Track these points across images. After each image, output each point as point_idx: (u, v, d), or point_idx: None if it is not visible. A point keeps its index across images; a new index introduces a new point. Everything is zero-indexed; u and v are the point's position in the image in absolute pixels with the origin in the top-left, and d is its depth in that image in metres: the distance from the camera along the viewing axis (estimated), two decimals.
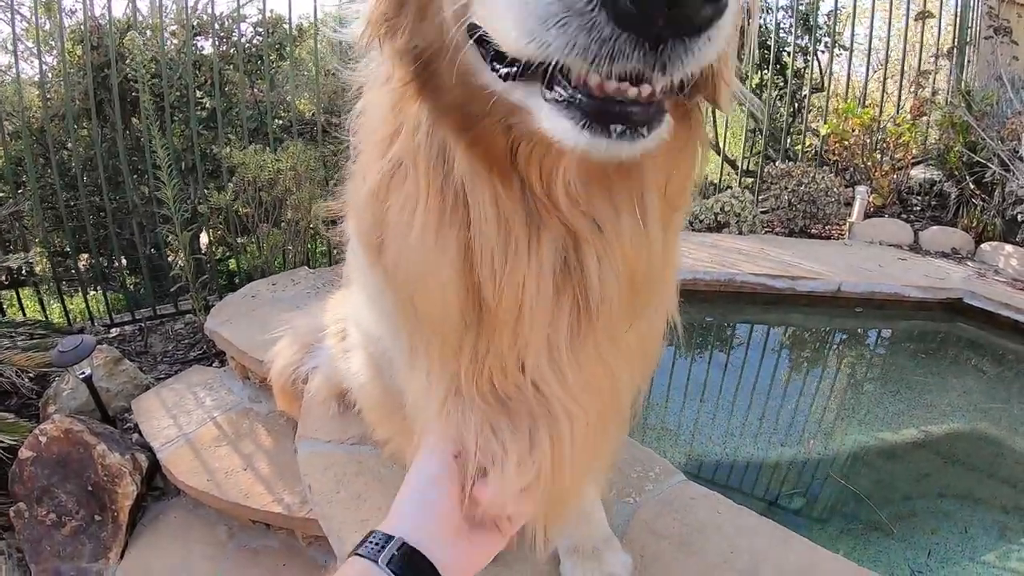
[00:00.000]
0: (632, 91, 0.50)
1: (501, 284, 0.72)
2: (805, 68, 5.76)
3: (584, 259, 0.73)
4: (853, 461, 2.41)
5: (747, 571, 1.35)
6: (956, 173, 4.47)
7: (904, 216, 4.59)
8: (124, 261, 4.28)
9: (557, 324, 0.76)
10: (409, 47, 0.66)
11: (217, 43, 4.22)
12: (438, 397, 0.85)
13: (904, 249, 4.14)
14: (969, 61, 5.05)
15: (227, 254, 4.31)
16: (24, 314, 3.68)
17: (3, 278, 3.64)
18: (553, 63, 0.47)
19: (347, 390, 1.48)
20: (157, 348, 3.42)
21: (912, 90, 5.05)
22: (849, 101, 5.04)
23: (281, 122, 4.34)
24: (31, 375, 2.75)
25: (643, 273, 0.77)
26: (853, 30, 5.21)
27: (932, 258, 3.99)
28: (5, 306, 3.65)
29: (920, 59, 5.00)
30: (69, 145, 3.93)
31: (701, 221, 4.31)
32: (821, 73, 5.83)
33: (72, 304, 4.17)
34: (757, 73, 5.56)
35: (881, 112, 4.90)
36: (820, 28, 5.78)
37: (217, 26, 4.19)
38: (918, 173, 4.94)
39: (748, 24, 0.72)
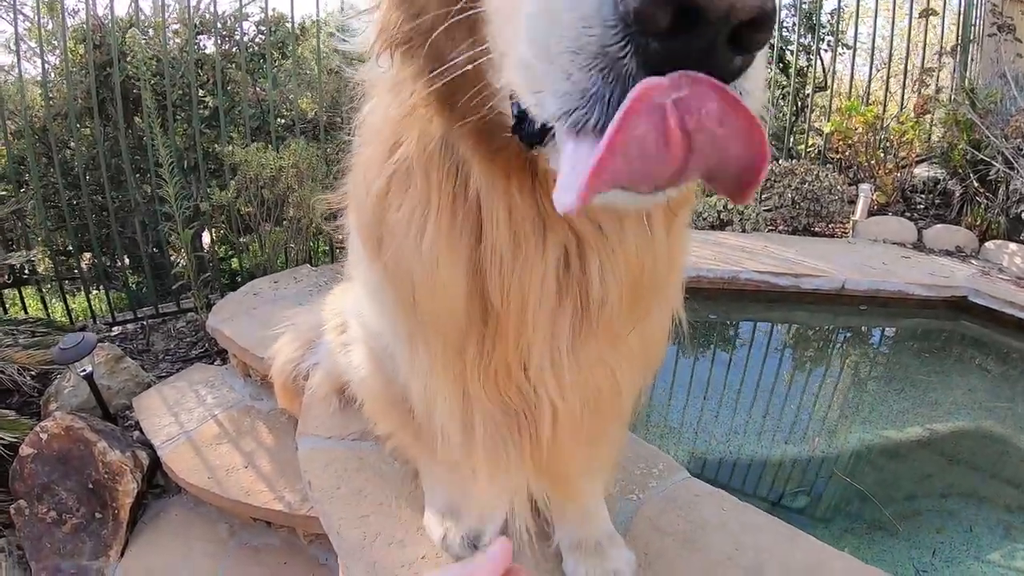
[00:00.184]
0: None
1: (509, 288, 0.74)
2: (808, 67, 5.75)
3: (587, 262, 0.75)
4: (857, 460, 2.39)
5: (752, 568, 1.34)
6: (960, 171, 4.45)
7: (908, 214, 4.57)
8: (127, 260, 4.28)
9: (559, 326, 0.79)
10: (429, 71, 0.65)
11: (219, 42, 4.22)
12: (443, 398, 0.89)
13: (908, 247, 4.12)
14: (973, 59, 5.03)
15: (229, 253, 4.31)
16: (26, 313, 3.68)
17: (6, 277, 3.64)
18: None
19: (347, 384, 1.47)
20: (159, 346, 3.42)
21: (915, 88, 5.03)
22: (853, 99, 5.03)
23: (284, 121, 4.33)
24: (33, 373, 2.75)
25: (646, 277, 0.79)
26: (856, 29, 5.18)
27: (936, 256, 3.97)
28: (8, 305, 3.65)
29: (924, 57, 4.97)
30: (72, 144, 3.93)
31: (704, 219, 4.29)
32: (824, 72, 5.82)
33: (74, 303, 4.18)
34: None
35: (884, 110, 4.88)
36: (823, 27, 5.77)
37: (219, 25, 4.19)
38: (922, 171, 4.92)
39: None
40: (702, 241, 3.86)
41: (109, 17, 3.77)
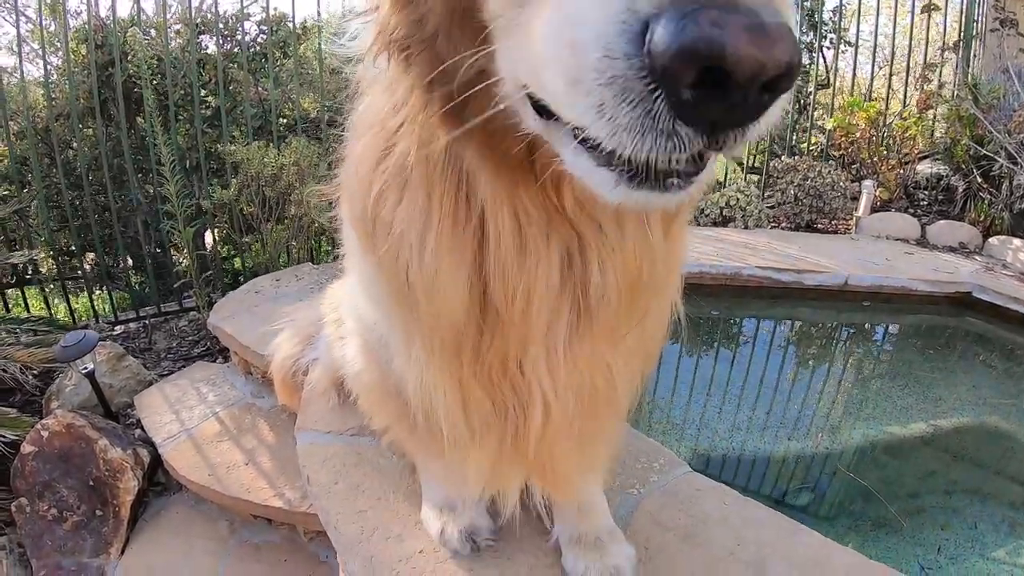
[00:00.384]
0: (682, 162, 0.49)
1: (514, 291, 0.75)
2: (811, 65, 5.73)
3: (588, 261, 0.76)
4: (860, 456, 2.39)
5: (754, 563, 1.32)
6: (963, 167, 4.43)
7: (911, 210, 4.56)
8: (129, 260, 4.29)
9: (557, 324, 0.80)
10: (430, 76, 0.65)
11: (221, 41, 4.22)
12: (438, 391, 0.91)
13: (911, 243, 4.11)
14: (975, 54, 5.00)
15: (232, 252, 4.32)
16: (29, 313, 3.68)
17: (9, 276, 3.64)
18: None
19: (344, 377, 1.46)
20: (161, 345, 3.42)
21: (918, 85, 5.01)
22: (855, 96, 5.01)
23: (286, 120, 4.34)
24: (35, 372, 2.75)
25: (645, 278, 0.80)
26: (859, 26, 5.16)
27: (939, 252, 3.96)
28: (11, 305, 3.66)
29: (926, 54, 4.95)
30: (74, 144, 3.93)
31: (707, 215, 4.28)
32: (827, 70, 5.79)
33: (77, 303, 4.19)
34: None
35: (887, 107, 4.86)
36: (825, 24, 5.75)
37: (221, 25, 4.20)
38: (925, 167, 4.90)
39: None
40: (704, 237, 3.85)
41: (111, 18, 3.78)
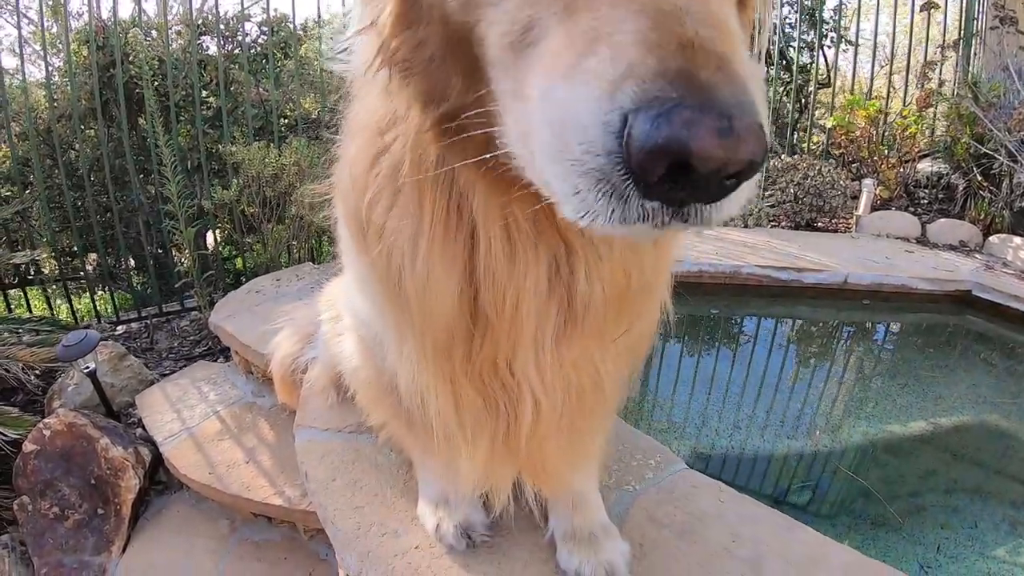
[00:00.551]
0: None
1: (504, 296, 0.78)
2: (811, 63, 5.73)
3: (574, 270, 0.79)
4: (860, 455, 2.38)
5: (750, 560, 1.32)
6: (963, 165, 4.42)
7: (911, 209, 4.55)
8: (131, 260, 4.30)
9: (545, 328, 0.83)
10: (428, 98, 0.67)
11: (222, 42, 4.24)
12: (429, 390, 0.93)
13: (911, 242, 4.10)
14: (975, 53, 4.99)
15: (233, 252, 4.33)
16: (31, 312, 3.70)
17: (11, 277, 3.66)
18: None
19: (342, 374, 1.48)
20: (162, 345, 3.43)
21: (919, 83, 5.01)
22: (855, 94, 5.01)
23: (286, 121, 4.35)
24: (37, 371, 2.77)
25: (633, 284, 0.82)
26: (858, 24, 5.16)
27: (940, 251, 3.95)
28: (13, 305, 3.68)
29: (926, 52, 4.95)
30: (76, 145, 3.95)
31: None
32: (828, 68, 5.79)
33: (79, 304, 4.20)
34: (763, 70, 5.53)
35: (888, 106, 4.86)
36: (826, 23, 5.75)
37: (222, 26, 4.21)
38: (925, 166, 4.89)
39: (759, 37, 0.76)
40: (704, 236, 3.84)
41: (112, 19, 3.80)
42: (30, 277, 3.76)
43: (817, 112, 5.66)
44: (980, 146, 4.21)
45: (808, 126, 5.41)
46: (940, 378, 2.84)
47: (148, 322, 3.64)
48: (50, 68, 3.97)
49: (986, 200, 4.22)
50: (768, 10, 0.74)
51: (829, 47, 5.85)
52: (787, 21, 5.77)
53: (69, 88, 3.76)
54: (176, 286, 3.64)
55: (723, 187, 0.47)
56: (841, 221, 4.52)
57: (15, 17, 4.34)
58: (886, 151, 4.76)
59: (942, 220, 4.23)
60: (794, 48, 5.70)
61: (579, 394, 0.95)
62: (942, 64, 4.99)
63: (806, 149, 5.19)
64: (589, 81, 0.46)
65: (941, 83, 4.93)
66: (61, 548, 2.19)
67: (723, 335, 3.39)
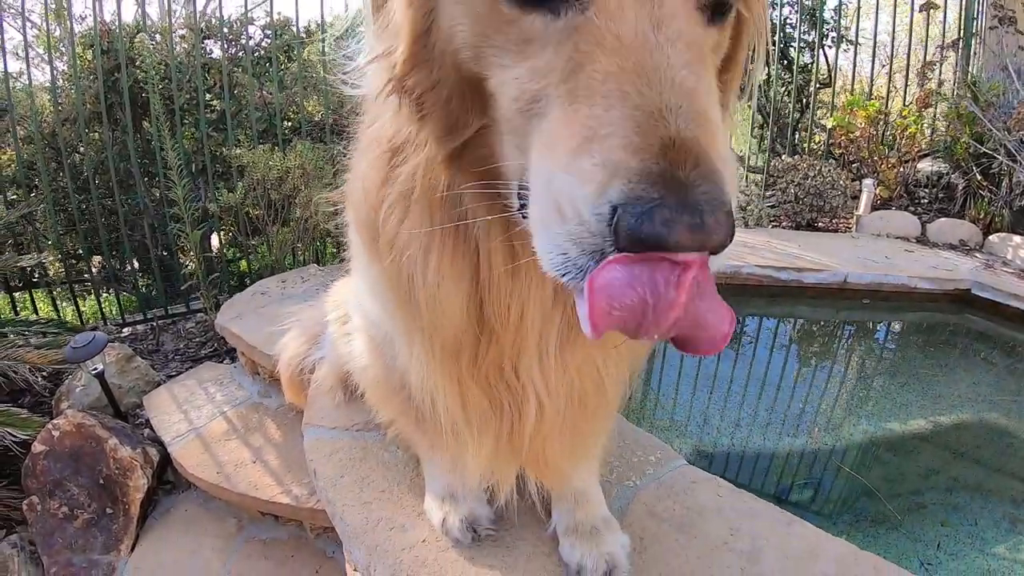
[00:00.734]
0: None
1: (508, 308, 0.84)
2: (812, 63, 5.74)
3: None
4: (861, 454, 2.40)
5: (748, 553, 1.35)
6: (963, 164, 4.44)
7: (911, 208, 4.57)
8: (136, 263, 4.33)
9: (548, 334, 0.89)
10: (440, 129, 0.73)
11: (226, 46, 4.26)
12: (438, 390, 0.98)
13: (911, 241, 4.12)
14: (975, 52, 5.01)
15: (238, 254, 4.36)
16: (37, 315, 3.73)
17: (17, 280, 3.69)
18: None
19: (350, 375, 1.50)
20: (169, 346, 3.46)
21: (919, 83, 5.02)
22: (856, 94, 5.02)
23: (290, 124, 4.38)
24: (45, 373, 2.80)
25: None
26: (858, 24, 5.18)
27: (940, 250, 3.97)
28: (19, 308, 3.71)
29: (926, 52, 4.96)
30: (81, 148, 3.99)
31: None
32: (828, 68, 5.80)
33: (84, 306, 4.23)
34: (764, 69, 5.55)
35: (888, 106, 4.87)
36: (826, 23, 5.76)
37: (225, 29, 4.24)
38: (925, 166, 4.90)
39: (759, 41, 0.79)
40: None
41: (117, 23, 3.83)
42: (36, 280, 3.79)
43: (818, 112, 5.67)
44: (980, 146, 4.22)
45: (809, 126, 5.43)
46: (940, 377, 2.85)
47: (154, 324, 3.67)
48: (55, 72, 4.00)
49: (986, 199, 4.24)
50: (762, 42, 0.79)
51: (830, 47, 5.87)
52: (788, 21, 5.78)
53: (74, 92, 3.79)
54: (182, 288, 3.66)
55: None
56: (841, 221, 4.54)
57: (19, 20, 4.38)
58: (886, 151, 4.77)
59: (942, 219, 4.25)
60: (795, 48, 5.72)
61: (582, 397, 1.00)
62: (942, 64, 5.01)
63: (807, 149, 5.21)
64: (585, 181, 0.52)
65: (941, 83, 4.94)
66: (70, 547, 2.22)
67: None
